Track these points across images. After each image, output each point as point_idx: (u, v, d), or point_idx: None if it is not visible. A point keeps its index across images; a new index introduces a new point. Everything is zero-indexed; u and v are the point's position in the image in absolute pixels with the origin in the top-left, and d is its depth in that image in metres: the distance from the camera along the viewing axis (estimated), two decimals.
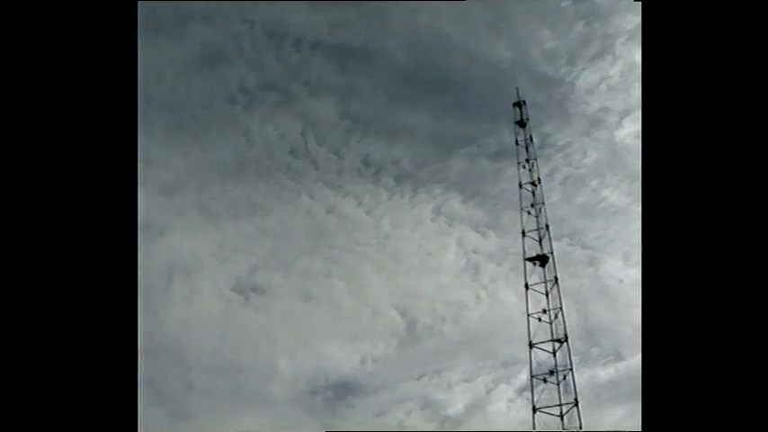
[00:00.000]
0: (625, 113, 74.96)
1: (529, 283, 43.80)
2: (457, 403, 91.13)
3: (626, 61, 73.61)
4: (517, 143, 47.84)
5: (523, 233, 44.92)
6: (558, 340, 42.34)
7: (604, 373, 71.29)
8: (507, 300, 71.08)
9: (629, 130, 71.78)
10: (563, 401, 41.40)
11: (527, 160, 47.20)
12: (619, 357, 71.56)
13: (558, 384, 41.79)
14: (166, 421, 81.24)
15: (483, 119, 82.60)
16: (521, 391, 68.53)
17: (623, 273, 71.24)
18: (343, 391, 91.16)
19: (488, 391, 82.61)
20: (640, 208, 7.75)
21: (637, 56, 68.96)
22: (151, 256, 73.59)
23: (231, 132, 79.41)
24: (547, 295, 43.45)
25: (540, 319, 42.77)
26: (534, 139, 48.09)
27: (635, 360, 63.95)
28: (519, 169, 47.11)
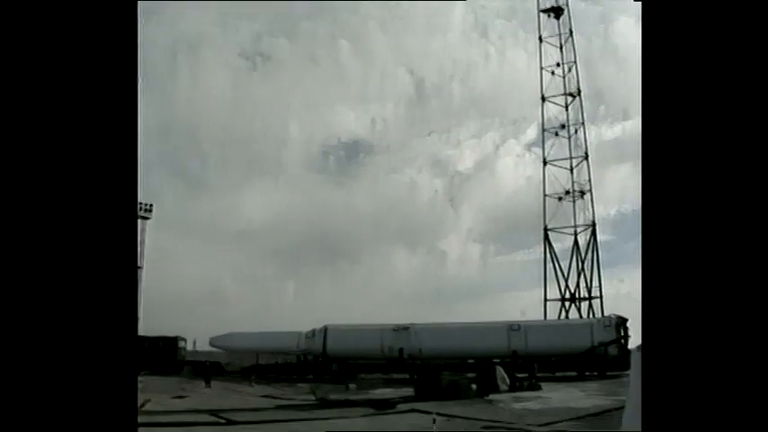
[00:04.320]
0: None
1: (543, 37, 41.84)
2: (466, 159, 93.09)
3: None
4: None
5: None
6: (571, 94, 41.71)
7: (611, 132, 72.36)
8: (517, 57, 69.31)
9: None
10: (573, 155, 41.98)
11: None
12: (626, 116, 71.88)
13: (569, 138, 41.98)
14: (184, 193, 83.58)
15: None
16: (529, 146, 69.80)
17: (635, 31, 68.74)
18: (354, 150, 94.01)
19: (497, 147, 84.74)
20: None
21: None
22: (151, 34, 69.73)
23: None
24: (561, 49, 41.87)
25: (553, 73, 41.64)
26: None
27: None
28: None
